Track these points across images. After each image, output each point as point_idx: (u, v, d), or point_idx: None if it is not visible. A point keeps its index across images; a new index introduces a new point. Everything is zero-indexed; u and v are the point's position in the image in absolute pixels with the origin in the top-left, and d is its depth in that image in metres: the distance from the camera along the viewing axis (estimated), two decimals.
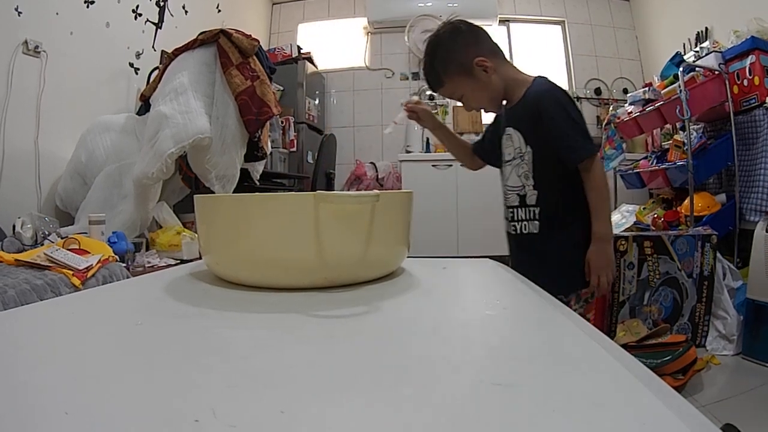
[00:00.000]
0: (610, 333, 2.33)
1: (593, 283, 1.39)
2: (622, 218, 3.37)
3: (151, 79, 2.87)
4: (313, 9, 5.31)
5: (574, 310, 1.41)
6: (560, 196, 1.42)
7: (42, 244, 1.87)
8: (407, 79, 5.07)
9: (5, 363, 0.38)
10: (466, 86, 1.42)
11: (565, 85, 4.91)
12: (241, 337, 0.45)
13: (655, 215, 3.12)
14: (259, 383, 0.33)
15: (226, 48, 2.54)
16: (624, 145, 3.67)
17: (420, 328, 0.49)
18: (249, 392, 0.31)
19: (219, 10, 4.25)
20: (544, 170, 1.41)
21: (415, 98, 1.69)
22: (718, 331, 2.38)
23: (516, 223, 1.49)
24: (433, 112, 1.63)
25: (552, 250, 1.42)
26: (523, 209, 1.47)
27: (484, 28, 1.45)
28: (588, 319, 1.52)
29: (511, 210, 1.50)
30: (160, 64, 2.94)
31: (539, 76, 1.42)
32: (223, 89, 2.51)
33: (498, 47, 1.45)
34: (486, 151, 1.63)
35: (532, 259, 1.46)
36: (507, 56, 1.47)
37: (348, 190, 4.58)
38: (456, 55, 1.40)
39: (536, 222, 1.44)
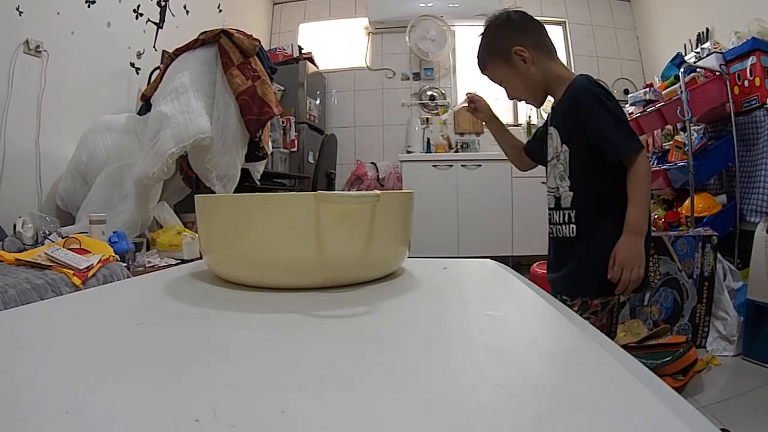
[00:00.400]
0: (611, 333, 2.33)
1: (615, 277, 1.30)
2: None
3: (152, 79, 2.87)
4: (314, 9, 5.32)
5: (595, 313, 1.39)
6: (597, 200, 1.37)
7: (43, 244, 1.87)
8: (408, 79, 5.07)
9: (6, 362, 0.38)
10: (504, 73, 1.44)
11: None
12: (241, 337, 0.45)
13: (656, 216, 3.12)
14: (259, 383, 0.33)
15: (227, 48, 2.54)
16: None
17: (421, 328, 0.49)
18: (249, 392, 0.31)
19: (220, 10, 4.25)
20: (580, 171, 1.38)
21: (475, 91, 1.70)
22: (719, 332, 2.38)
23: (552, 227, 1.47)
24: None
25: (582, 254, 1.38)
26: (558, 212, 1.44)
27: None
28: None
29: (549, 212, 1.48)
30: (161, 63, 2.94)
31: (581, 74, 1.40)
32: (224, 89, 2.51)
33: (547, 42, 1.44)
34: (535, 151, 1.62)
35: (569, 262, 1.42)
36: (559, 56, 1.47)
37: (349, 190, 4.58)
38: (498, 41, 1.42)
39: (573, 225, 1.39)
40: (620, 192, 1.32)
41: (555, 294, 1.44)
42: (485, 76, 1.51)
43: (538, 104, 1.50)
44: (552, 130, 1.45)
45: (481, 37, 1.48)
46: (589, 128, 1.31)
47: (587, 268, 1.38)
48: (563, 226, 1.42)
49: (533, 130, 4.90)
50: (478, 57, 1.49)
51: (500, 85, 1.48)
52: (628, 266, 1.29)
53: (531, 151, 1.64)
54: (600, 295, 1.39)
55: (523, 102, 1.53)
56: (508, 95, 1.49)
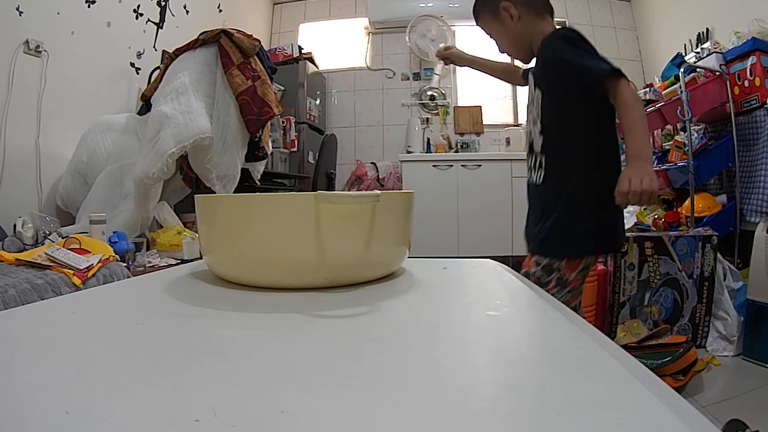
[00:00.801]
0: (611, 334, 2.33)
1: (622, 189, 1.17)
2: None
3: (152, 79, 2.87)
4: (314, 9, 5.31)
5: (568, 278, 1.37)
6: (567, 147, 1.36)
7: (43, 244, 1.87)
8: (408, 79, 5.06)
9: (6, 362, 0.38)
10: (493, 26, 1.49)
11: None
12: (241, 337, 0.45)
13: (656, 216, 3.12)
14: (259, 383, 0.33)
15: (227, 48, 2.54)
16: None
17: (420, 328, 0.49)
18: (249, 392, 0.31)
19: (220, 10, 4.25)
20: (551, 116, 1.38)
21: (442, 45, 1.84)
22: (719, 332, 2.38)
23: (528, 172, 1.49)
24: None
25: (551, 207, 1.36)
26: (531, 156, 1.45)
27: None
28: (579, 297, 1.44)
29: (527, 157, 1.50)
30: (161, 63, 2.94)
31: (560, 27, 1.45)
32: (224, 89, 2.51)
33: (539, 2, 1.48)
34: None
35: (536, 211, 1.43)
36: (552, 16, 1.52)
37: (349, 190, 4.58)
38: None
39: (542, 171, 1.39)
40: (593, 146, 1.33)
41: (529, 251, 1.44)
42: (479, 27, 1.56)
43: (525, 60, 1.53)
44: (530, 76, 1.49)
45: None
46: (568, 69, 1.31)
47: (561, 227, 1.35)
48: (533, 172, 1.44)
49: None
50: (474, 7, 1.54)
51: (490, 36, 1.53)
52: (638, 178, 1.15)
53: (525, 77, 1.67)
54: (576, 255, 1.34)
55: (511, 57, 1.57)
56: (498, 49, 1.54)
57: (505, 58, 1.62)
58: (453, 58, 1.74)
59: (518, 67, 1.70)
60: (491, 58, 1.77)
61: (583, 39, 1.34)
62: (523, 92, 4.98)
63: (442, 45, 1.74)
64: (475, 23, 1.56)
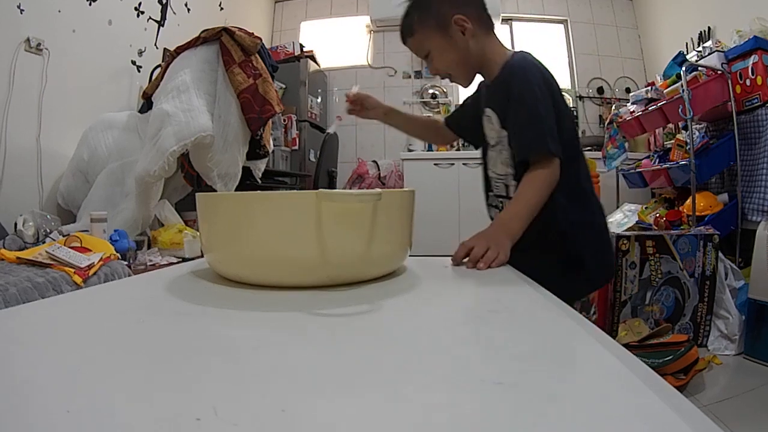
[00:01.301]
0: (612, 332, 2.33)
1: (467, 249, 0.93)
2: (624, 217, 3.37)
3: (154, 77, 2.87)
4: (316, 7, 5.31)
5: None
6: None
7: (44, 242, 1.88)
8: (410, 77, 5.06)
9: (7, 361, 0.38)
10: (437, 42, 1.22)
11: (567, 84, 4.94)
12: (242, 336, 0.45)
13: (657, 215, 3.12)
14: (260, 382, 0.33)
15: (228, 46, 2.54)
16: (626, 145, 3.66)
17: (422, 326, 0.49)
18: (251, 391, 0.31)
19: (221, 8, 4.25)
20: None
21: (355, 89, 1.43)
22: (720, 331, 2.38)
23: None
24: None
25: (531, 260, 1.04)
26: (498, 206, 1.30)
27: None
28: None
29: (501, 200, 1.31)
30: (163, 62, 2.94)
31: (520, 52, 1.23)
32: (225, 87, 2.51)
33: (488, 18, 1.24)
34: (462, 127, 1.45)
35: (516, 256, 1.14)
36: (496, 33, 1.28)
37: (350, 188, 4.57)
38: (437, 6, 1.21)
39: None
40: (566, 187, 1.16)
41: None
42: (407, 46, 1.29)
43: (467, 83, 1.30)
44: (489, 112, 1.26)
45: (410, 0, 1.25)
46: (510, 124, 1.18)
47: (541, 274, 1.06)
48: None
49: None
50: (402, 21, 1.25)
51: (423, 57, 1.27)
52: (485, 245, 0.93)
53: (455, 125, 1.47)
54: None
55: (446, 80, 1.31)
56: (432, 68, 1.27)
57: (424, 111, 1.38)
58: (371, 107, 1.42)
59: (440, 123, 1.50)
60: (410, 112, 1.47)
61: (550, 88, 1.17)
62: None
63: (355, 88, 1.41)
64: (402, 39, 1.28)
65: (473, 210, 4.17)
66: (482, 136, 1.34)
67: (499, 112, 1.23)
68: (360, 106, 1.42)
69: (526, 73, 1.16)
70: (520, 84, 1.15)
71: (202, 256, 0.76)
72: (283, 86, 4.00)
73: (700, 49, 3.36)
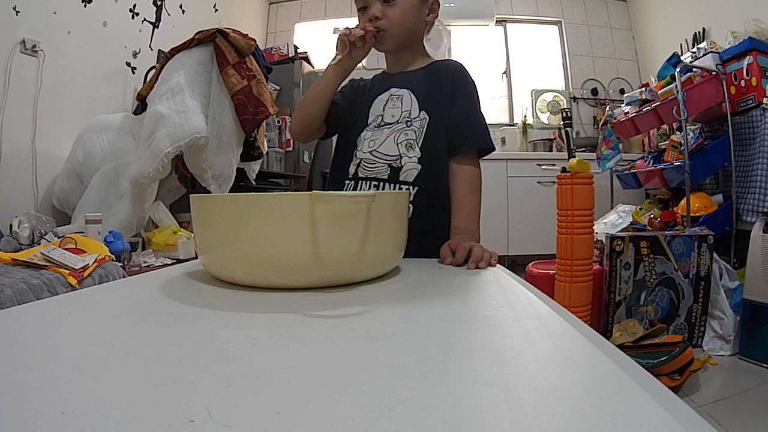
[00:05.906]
0: (607, 333, 2.33)
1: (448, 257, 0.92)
2: (618, 218, 3.38)
3: (148, 79, 2.86)
4: (310, 9, 5.31)
5: None
6: (444, 184, 1.19)
7: (39, 244, 1.87)
8: None
9: (1, 362, 0.38)
10: (407, 2, 1.22)
11: (561, 86, 4.96)
12: (236, 337, 0.45)
13: (652, 215, 3.13)
14: (255, 383, 0.33)
15: (222, 47, 2.54)
16: (620, 146, 3.67)
17: (416, 328, 0.49)
18: (245, 392, 0.31)
19: (216, 10, 4.24)
20: (434, 146, 1.19)
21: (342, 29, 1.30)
22: (715, 332, 2.39)
23: None
24: None
25: (427, 242, 1.04)
26: (392, 186, 1.18)
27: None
28: None
29: (375, 184, 1.20)
30: (157, 63, 2.93)
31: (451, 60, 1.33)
32: (219, 89, 2.51)
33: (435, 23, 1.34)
34: (336, 114, 1.33)
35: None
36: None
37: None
38: None
39: (410, 205, 1.10)
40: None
41: None
42: None
43: (392, 48, 1.27)
44: (405, 92, 1.24)
45: None
46: (461, 110, 1.21)
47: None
48: None
49: (526, 129, 4.71)
50: None
51: (387, 1, 1.21)
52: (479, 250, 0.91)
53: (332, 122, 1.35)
54: None
55: (372, 37, 1.23)
56: (380, 11, 1.21)
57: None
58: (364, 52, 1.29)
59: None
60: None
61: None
62: (520, 92, 4.98)
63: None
64: None
65: None
66: (357, 119, 1.29)
67: (422, 97, 1.24)
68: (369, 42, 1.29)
69: (469, 76, 1.28)
70: (469, 82, 1.27)
71: (196, 257, 0.76)
72: (278, 88, 4.00)
73: (694, 50, 3.38)
